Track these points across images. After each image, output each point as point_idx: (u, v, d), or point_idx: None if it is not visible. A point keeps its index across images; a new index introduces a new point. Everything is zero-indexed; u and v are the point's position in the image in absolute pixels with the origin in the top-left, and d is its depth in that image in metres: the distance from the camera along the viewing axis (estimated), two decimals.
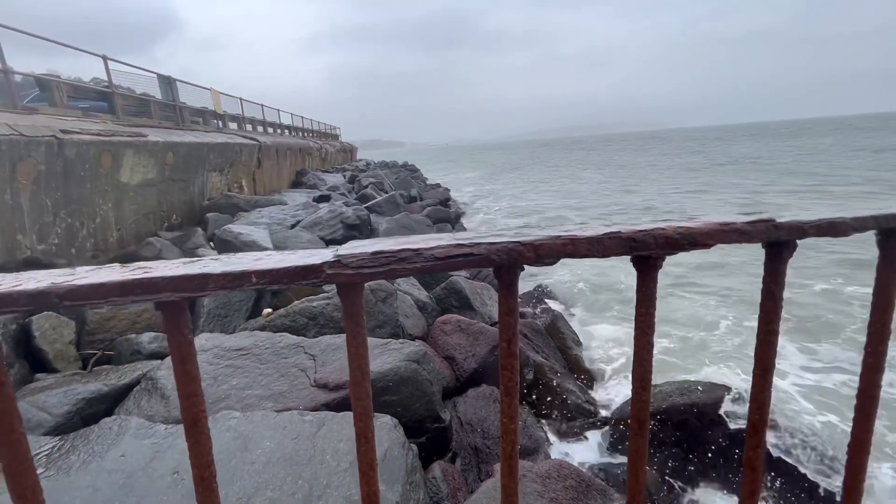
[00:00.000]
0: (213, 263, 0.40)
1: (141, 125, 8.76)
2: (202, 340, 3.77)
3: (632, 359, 0.51)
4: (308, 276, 0.40)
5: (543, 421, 4.40)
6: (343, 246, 0.44)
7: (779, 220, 0.45)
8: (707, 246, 0.46)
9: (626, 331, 6.82)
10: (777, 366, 0.55)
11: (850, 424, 0.55)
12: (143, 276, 0.37)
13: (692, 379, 5.12)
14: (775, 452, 3.48)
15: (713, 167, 31.00)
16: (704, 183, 23.16)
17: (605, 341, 6.57)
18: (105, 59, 8.52)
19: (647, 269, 0.47)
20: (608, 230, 0.44)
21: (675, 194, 19.91)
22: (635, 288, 0.48)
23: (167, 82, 10.99)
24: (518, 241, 0.43)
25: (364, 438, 0.46)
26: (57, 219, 5.76)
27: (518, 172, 43.39)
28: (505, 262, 0.43)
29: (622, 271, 10.13)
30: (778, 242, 0.47)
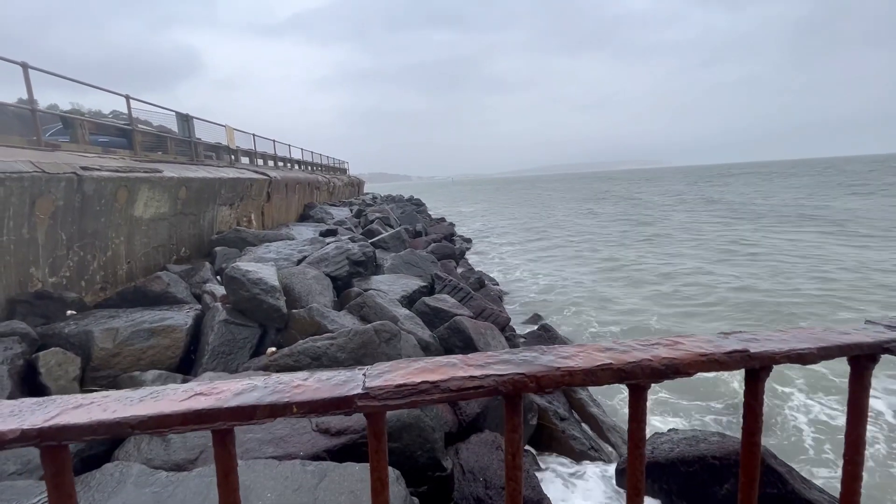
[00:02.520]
0: (258, 392, 0.46)
1: (157, 160, 9.06)
2: (206, 380, 3.78)
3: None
4: (341, 407, 0.46)
5: (546, 465, 4.30)
6: (370, 373, 0.50)
7: (752, 351, 0.51)
8: (689, 374, 0.52)
9: None
10: None
11: None
12: (202, 407, 0.43)
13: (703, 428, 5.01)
14: None
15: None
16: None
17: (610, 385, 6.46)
18: (128, 98, 8.92)
19: (637, 391, 0.53)
20: (602, 362, 0.50)
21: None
22: (628, 406, 0.54)
23: (184, 119, 11.43)
24: (522, 374, 0.49)
25: None
26: (70, 252, 5.88)
27: (518, 206, 46.08)
28: (511, 392, 0.49)
29: (627, 304, 10.13)
30: (754, 369, 0.53)
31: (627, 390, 0.53)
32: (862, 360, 0.54)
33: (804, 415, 5.48)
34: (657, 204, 37.45)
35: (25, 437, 0.40)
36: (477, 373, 0.49)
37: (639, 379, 0.50)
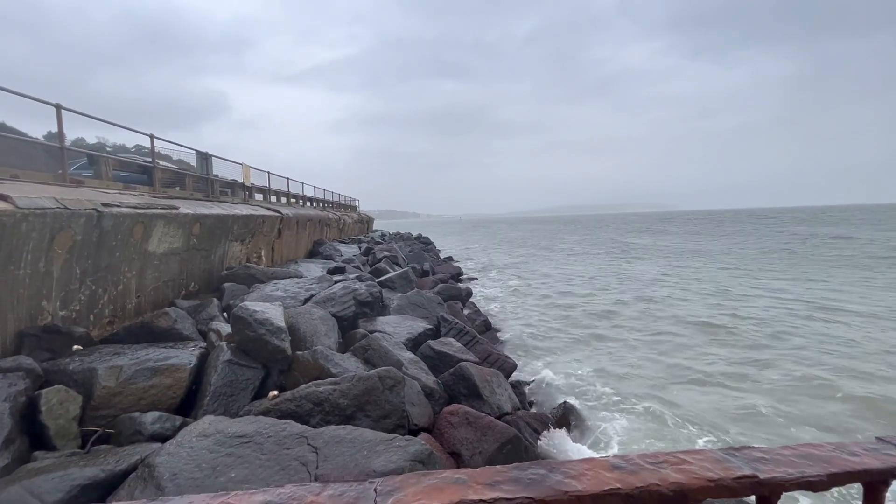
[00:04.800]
0: None
1: (175, 196, 9.34)
2: (205, 424, 3.71)
3: None
4: None
5: None
6: (381, 489, 0.50)
7: (762, 478, 0.51)
8: (698, 501, 0.52)
9: (641, 425, 6.53)
10: None
11: None
12: None
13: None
14: None
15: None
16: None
17: (617, 435, 6.26)
18: (152, 137, 9.32)
19: None
20: (610, 486, 0.51)
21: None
22: None
23: (204, 157, 11.86)
24: (531, 498, 0.50)
25: None
26: (83, 286, 5.97)
27: (521, 245, 47.71)
28: None
29: (631, 351, 9.91)
30: (764, 495, 0.53)
31: None
32: (874, 484, 0.54)
33: None
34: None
35: None
36: (486, 496, 0.49)
37: None
